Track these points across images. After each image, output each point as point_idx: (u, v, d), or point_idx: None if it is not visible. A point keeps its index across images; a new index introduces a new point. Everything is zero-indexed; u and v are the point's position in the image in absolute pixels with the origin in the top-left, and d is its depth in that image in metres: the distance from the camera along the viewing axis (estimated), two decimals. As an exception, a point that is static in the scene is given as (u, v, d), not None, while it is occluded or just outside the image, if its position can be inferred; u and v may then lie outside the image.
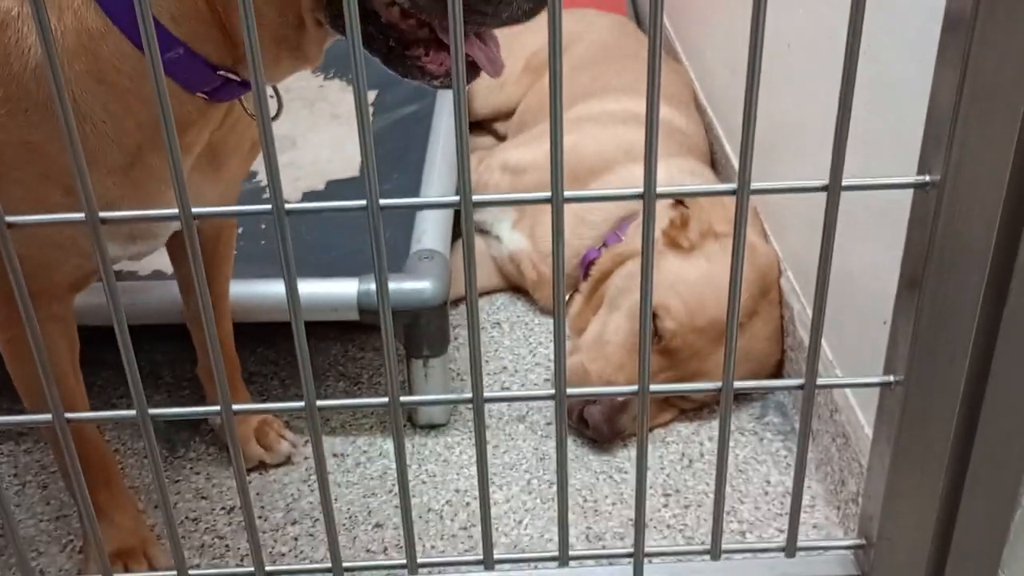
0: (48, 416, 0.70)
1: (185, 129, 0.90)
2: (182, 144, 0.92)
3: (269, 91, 0.99)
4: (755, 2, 0.64)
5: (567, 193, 0.69)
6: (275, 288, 1.37)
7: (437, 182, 1.62)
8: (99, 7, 0.83)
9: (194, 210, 0.65)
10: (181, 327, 1.32)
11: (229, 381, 1.31)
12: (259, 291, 1.37)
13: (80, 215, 0.64)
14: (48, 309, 1.00)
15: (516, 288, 1.73)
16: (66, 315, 1.05)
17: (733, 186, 0.71)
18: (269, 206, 0.66)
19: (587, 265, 1.57)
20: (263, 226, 1.55)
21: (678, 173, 1.63)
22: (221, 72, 0.88)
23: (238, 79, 0.89)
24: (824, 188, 0.71)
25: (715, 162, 1.85)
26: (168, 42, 0.84)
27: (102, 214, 0.65)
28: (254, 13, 0.81)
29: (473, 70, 0.90)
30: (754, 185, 0.70)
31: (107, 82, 0.85)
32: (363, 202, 0.68)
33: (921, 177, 0.72)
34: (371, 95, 2.00)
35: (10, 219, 0.64)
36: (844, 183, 0.70)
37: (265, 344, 1.58)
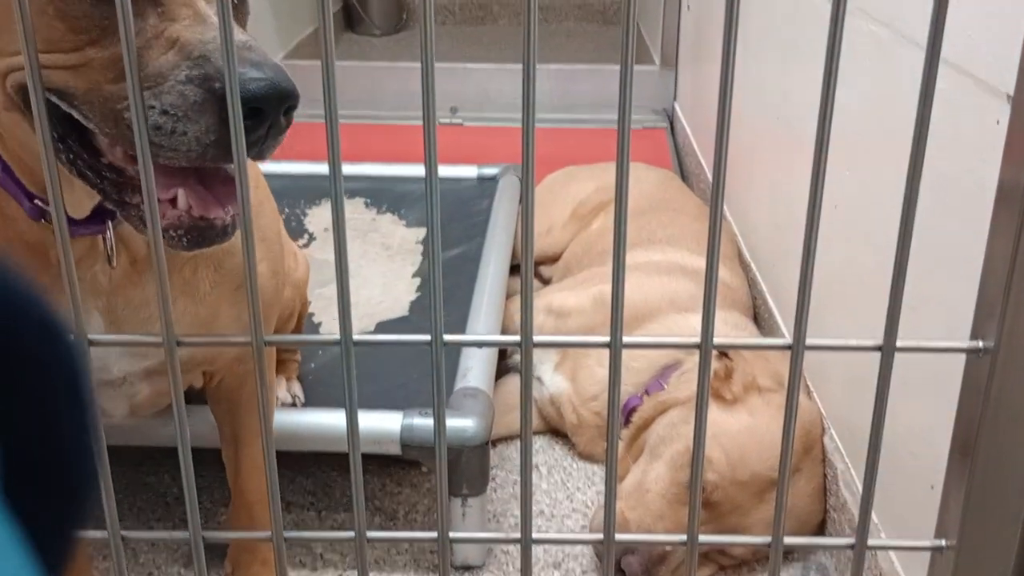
0: (104, 533, 0.71)
1: (48, 254, 0.89)
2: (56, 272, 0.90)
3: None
4: (814, 167, 0.67)
5: (626, 339, 0.71)
6: (314, 418, 1.39)
7: (483, 322, 1.65)
8: None
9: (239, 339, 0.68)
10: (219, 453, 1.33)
11: (245, 512, 1.27)
12: (298, 420, 1.38)
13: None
14: None
15: (555, 431, 1.73)
16: None
17: (788, 341, 0.72)
18: (338, 336, 0.68)
19: (628, 412, 1.57)
20: (312, 365, 1.58)
21: (722, 326, 1.65)
22: (37, 201, 0.87)
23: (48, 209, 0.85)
24: (878, 348, 0.72)
25: (758, 317, 1.86)
26: None
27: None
28: (3, 134, 0.83)
29: (207, 228, 0.80)
30: (809, 341, 0.72)
31: None
32: (427, 336, 0.70)
33: (975, 343, 0.73)
34: (420, 233, 2.06)
35: None
36: (898, 344, 0.72)
37: (303, 474, 1.58)
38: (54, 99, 0.77)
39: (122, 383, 1.05)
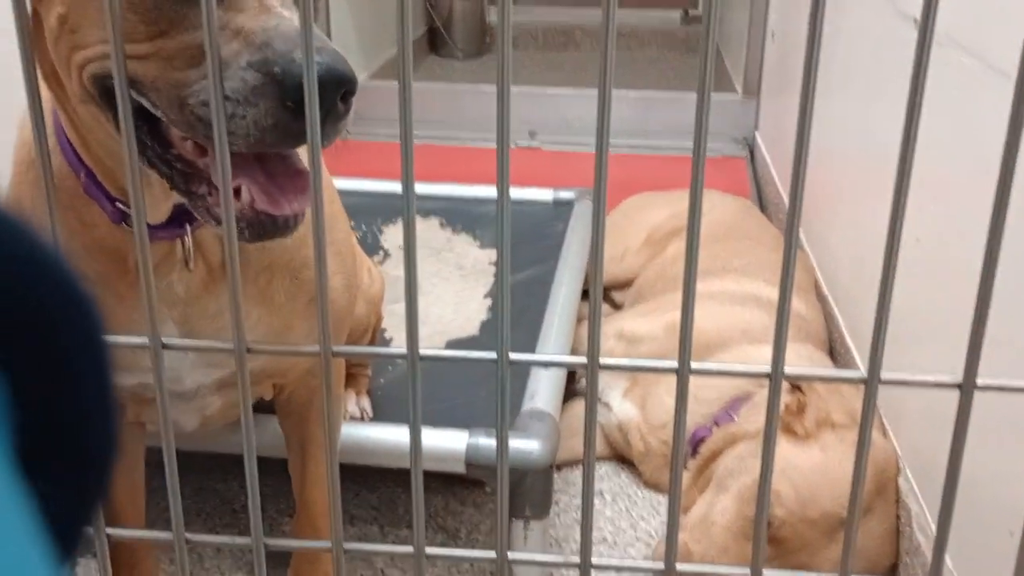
0: (169, 535, 0.72)
1: (127, 259, 0.92)
2: (133, 278, 0.91)
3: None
4: (895, 198, 0.65)
5: (694, 364, 0.70)
6: (381, 433, 1.39)
7: (553, 343, 1.64)
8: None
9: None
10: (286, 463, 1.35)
11: (309, 523, 1.28)
12: (365, 434, 1.39)
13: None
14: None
15: (621, 458, 1.71)
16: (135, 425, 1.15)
17: (862, 373, 0.70)
18: (405, 350, 0.68)
19: (696, 443, 1.55)
20: (382, 380, 1.59)
21: (795, 359, 1.62)
22: (119, 204, 0.89)
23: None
24: (957, 386, 0.70)
25: (833, 351, 1.82)
26: (81, 166, 0.88)
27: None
28: (84, 135, 0.85)
29: (269, 222, 0.80)
30: (884, 375, 0.70)
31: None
32: (492, 354, 0.70)
33: (1060, 383, 0.70)
34: (494, 254, 2.07)
35: None
36: (978, 383, 0.69)
37: (368, 488, 1.59)
38: None
39: (194, 395, 1.06)
